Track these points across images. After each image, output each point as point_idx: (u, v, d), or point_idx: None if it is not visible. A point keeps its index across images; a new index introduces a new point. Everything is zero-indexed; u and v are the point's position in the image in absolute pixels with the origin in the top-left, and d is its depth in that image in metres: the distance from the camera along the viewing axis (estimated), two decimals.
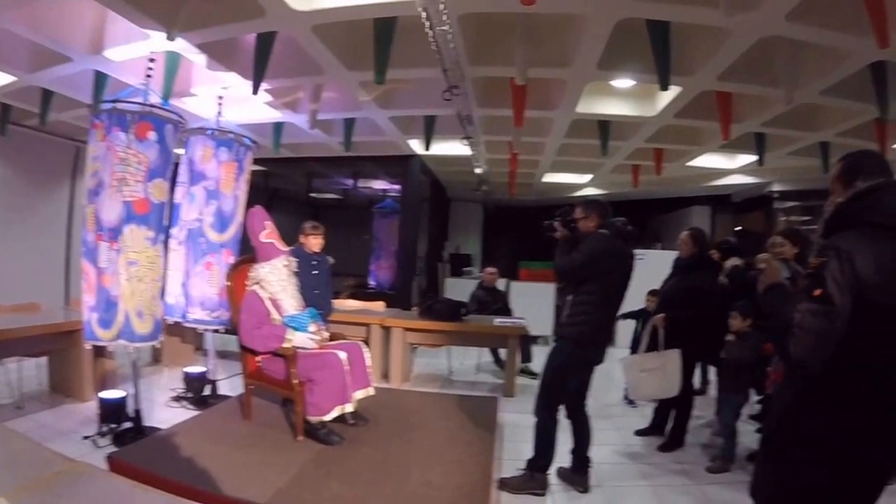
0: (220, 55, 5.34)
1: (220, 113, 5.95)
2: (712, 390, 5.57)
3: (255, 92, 5.25)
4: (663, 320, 4.62)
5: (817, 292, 1.73)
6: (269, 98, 6.63)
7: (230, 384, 5.93)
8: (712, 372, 6.03)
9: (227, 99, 6.17)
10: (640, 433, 5.14)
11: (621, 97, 6.60)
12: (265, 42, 4.91)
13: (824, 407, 1.82)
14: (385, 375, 6.49)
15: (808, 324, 1.75)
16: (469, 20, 4.61)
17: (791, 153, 8.20)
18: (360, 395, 4.10)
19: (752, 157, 8.13)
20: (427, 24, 4.10)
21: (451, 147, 8.59)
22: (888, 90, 5.17)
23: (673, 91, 5.84)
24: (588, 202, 3.82)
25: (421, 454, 3.77)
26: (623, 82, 5.99)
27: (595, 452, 4.01)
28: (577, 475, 3.92)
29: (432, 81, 5.41)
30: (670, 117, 6.66)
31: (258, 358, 4.14)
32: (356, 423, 4.19)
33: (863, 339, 1.72)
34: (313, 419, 3.83)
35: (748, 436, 4.84)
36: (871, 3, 3.66)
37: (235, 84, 5.89)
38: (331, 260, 5.63)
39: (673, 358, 4.47)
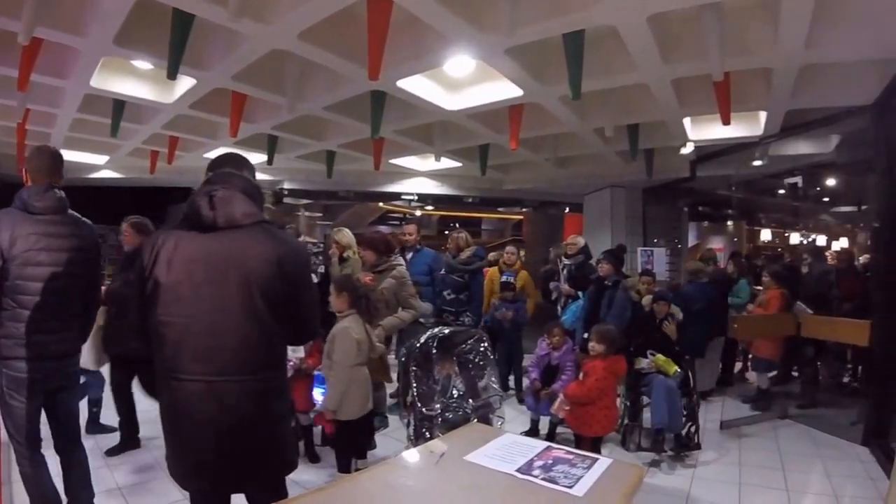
0: None
1: None
2: None
3: None
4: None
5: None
6: None
7: None
8: None
9: None
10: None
11: (141, 78, 6.16)
12: None
13: (160, 379, 2.07)
14: None
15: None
16: None
17: (300, 157, 9.04)
18: None
19: (264, 156, 8.60)
20: None
21: None
22: (381, 115, 6.06)
23: (189, 82, 5.75)
24: None
25: None
26: (143, 63, 5.61)
27: None
28: None
29: None
30: (186, 107, 6.52)
31: None
32: None
33: (158, 320, 2.02)
34: None
35: None
36: (372, 39, 4.17)
37: None
38: None
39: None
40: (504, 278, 6.55)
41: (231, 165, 2.26)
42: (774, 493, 4.18)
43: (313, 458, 4.40)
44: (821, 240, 15.13)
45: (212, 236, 2.04)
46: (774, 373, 6.64)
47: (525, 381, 5.78)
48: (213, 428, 2.01)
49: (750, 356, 7.20)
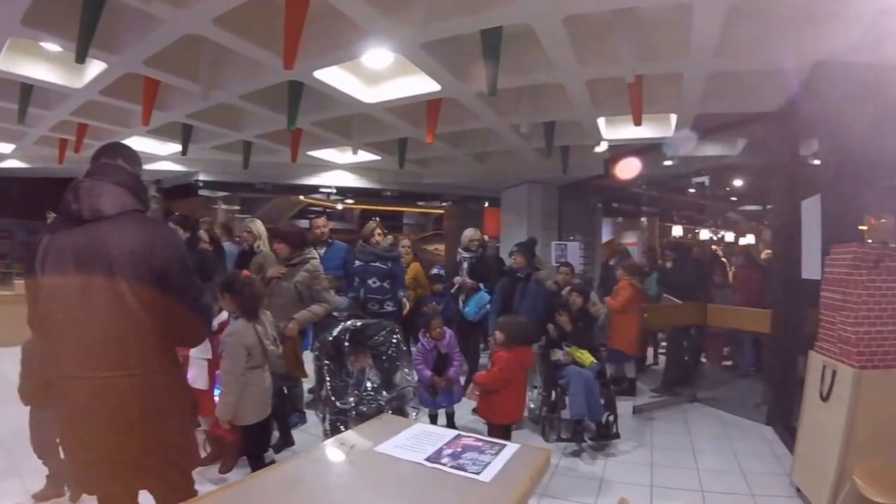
0: None
1: None
2: None
3: None
4: None
5: None
6: None
7: None
8: None
9: None
10: None
11: (50, 62, 5.82)
12: None
13: (52, 382, 2.03)
14: None
15: None
16: None
17: (216, 147, 8.78)
18: None
19: (179, 147, 8.31)
20: None
21: None
22: (298, 106, 5.96)
23: (99, 66, 5.48)
24: None
25: None
26: (52, 46, 5.30)
27: None
28: None
29: None
30: (96, 93, 6.20)
31: None
32: None
33: (42, 319, 1.99)
34: None
35: None
36: (288, 28, 4.09)
37: None
38: None
39: None
40: (435, 271, 6.72)
41: (107, 156, 2.19)
42: (685, 472, 4.38)
43: (229, 459, 4.27)
44: (729, 236, 15.92)
45: (79, 230, 1.98)
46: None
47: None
48: (100, 426, 1.95)
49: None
